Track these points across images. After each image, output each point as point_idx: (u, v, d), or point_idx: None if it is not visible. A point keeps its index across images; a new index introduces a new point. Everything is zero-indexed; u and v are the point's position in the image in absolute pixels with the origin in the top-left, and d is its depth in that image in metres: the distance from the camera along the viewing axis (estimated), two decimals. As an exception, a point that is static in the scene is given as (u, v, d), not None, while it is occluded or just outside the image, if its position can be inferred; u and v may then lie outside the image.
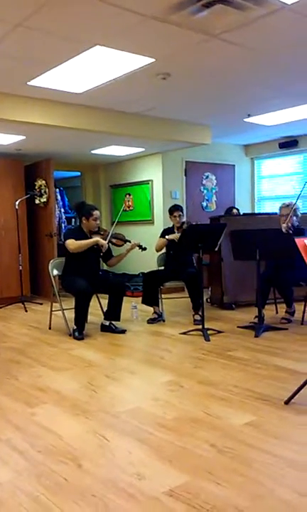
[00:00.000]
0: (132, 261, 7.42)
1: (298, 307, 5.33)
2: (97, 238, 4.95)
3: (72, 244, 4.91)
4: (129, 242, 5.21)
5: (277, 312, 5.68)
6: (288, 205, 5.25)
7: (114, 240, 5.16)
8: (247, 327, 5.02)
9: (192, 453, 2.35)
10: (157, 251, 5.72)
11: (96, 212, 5.06)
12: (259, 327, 4.83)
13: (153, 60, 4.02)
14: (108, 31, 3.44)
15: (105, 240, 5.01)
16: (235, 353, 4.13)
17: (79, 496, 1.98)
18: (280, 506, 1.88)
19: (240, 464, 2.23)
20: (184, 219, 5.72)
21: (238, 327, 5.08)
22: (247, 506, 1.88)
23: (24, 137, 6.07)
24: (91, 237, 5.02)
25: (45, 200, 7.24)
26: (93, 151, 7.28)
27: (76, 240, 4.92)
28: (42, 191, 7.25)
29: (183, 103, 5.56)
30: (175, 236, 5.45)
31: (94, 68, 4.19)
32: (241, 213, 7.23)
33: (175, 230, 5.66)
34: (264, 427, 2.63)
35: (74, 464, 2.26)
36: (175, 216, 5.66)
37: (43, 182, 7.24)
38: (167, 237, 5.54)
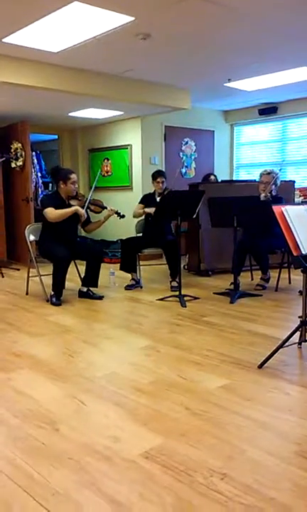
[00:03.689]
0: (110, 228, 7.38)
1: (273, 274, 5.41)
2: (76, 207, 4.85)
3: (51, 213, 4.79)
4: (107, 208, 5.16)
5: (252, 279, 5.76)
6: (269, 173, 5.23)
7: (91, 207, 5.10)
8: (223, 293, 5.09)
9: (168, 416, 2.41)
10: (134, 217, 5.68)
11: (73, 176, 4.95)
12: (234, 293, 4.90)
13: (132, 18, 3.89)
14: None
15: (83, 206, 4.95)
16: (210, 319, 4.20)
17: (57, 460, 2.02)
18: (251, 466, 1.95)
19: (213, 426, 2.30)
20: (166, 185, 5.65)
21: (214, 293, 5.14)
22: (220, 467, 1.94)
23: (-2, 98, 5.88)
24: (68, 203, 4.95)
25: (21, 163, 7.07)
26: (71, 114, 7.10)
27: (55, 207, 4.83)
28: (18, 154, 7.07)
29: (163, 65, 5.42)
30: (151, 210, 5.38)
31: (71, 26, 4.04)
32: (220, 180, 7.20)
33: (157, 196, 5.61)
34: (238, 390, 2.71)
35: (52, 428, 2.29)
36: (158, 182, 5.59)
37: (19, 145, 7.05)
38: (146, 210, 5.46)
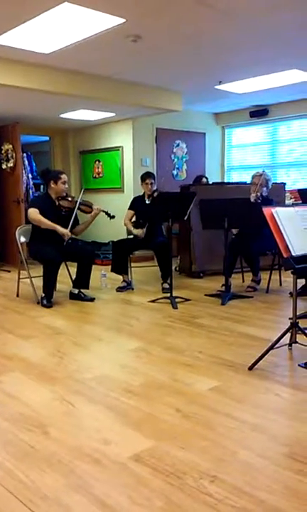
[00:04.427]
0: (102, 229, 7.37)
1: (264, 276, 5.42)
2: (59, 228, 4.77)
3: (34, 214, 4.80)
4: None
5: (243, 281, 5.77)
6: (260, 175, 5.27)
7: (82, 207, 5.10)
8: (214, 295, 5.10)
9: (158, 418, 2.40)
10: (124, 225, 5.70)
11: (64, 176, 4.99)
12: (225, 295, 4.91)
13: (123, 20, 3.88)
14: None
15: (74, 208, 4.95)
16: (202, 321, 4.20)
17: (46, 463, 2.00)
18: (242, 468, 1.95)
19: (204, 428, 2.29)
20: (155, 187, 5.65)
21: (205, 295, 5.15)
22: (210, 469, 1.94)
23: (-11, 99, 5.85)
24: (59, 204, 4.96)
25: (11, 165, 7.04)
26: (62, 115, 7.08)
27: (41, 209, 4.82)
28: (9, 156, 7.04)
29: (154, 67, 5.42)
30: (137, 232, 5.49)
31: (62, 27, 4.02)
32: (211, 182, 7.22)
33: (146, 198, 5.60)
34: (228, 392, 2.70)
35: (41, 432, 2.28)
36: (147, 183, 5.58)
37: (10, 146, 7.02)
38: (134, 231, 5.51)
